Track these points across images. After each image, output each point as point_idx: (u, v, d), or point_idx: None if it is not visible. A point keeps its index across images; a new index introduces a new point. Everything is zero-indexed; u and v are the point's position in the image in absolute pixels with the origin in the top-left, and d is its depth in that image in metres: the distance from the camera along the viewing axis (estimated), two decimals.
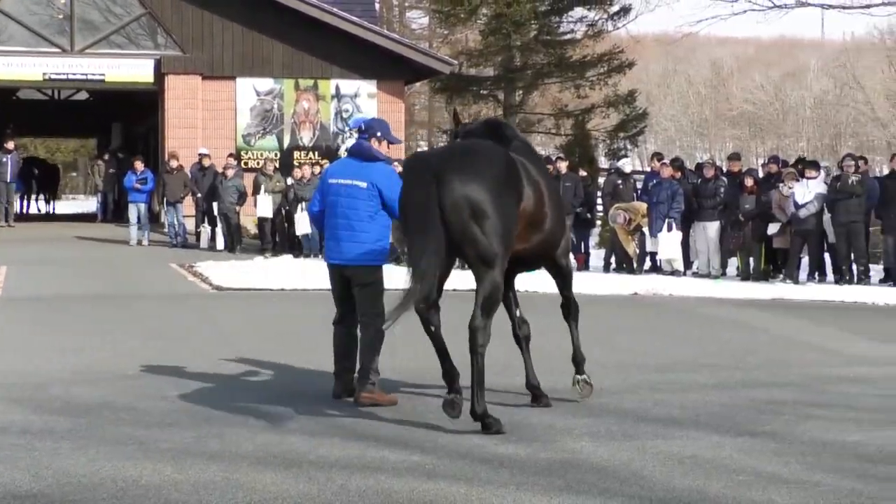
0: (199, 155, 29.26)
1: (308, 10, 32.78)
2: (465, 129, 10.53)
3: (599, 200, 28.67)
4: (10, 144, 32.75)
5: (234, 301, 18.57)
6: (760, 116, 76.40)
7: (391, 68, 33.42)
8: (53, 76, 32.65)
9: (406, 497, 7.11)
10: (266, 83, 33.07)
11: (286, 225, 27.77)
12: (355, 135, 10.70)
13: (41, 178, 46.96)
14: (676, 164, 25.86)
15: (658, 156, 26.54)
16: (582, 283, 21.51)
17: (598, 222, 29.84)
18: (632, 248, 24.61)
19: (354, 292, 10.17)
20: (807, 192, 22.65)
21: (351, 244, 10.06)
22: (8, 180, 32.22)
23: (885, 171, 25.44)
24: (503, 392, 10.11)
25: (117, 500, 6.99)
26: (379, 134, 10.34)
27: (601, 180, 30.47)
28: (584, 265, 25.61)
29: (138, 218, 29.09)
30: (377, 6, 49.59)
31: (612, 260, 25.51)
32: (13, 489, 7.20)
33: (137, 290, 20.30)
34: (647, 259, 24.99)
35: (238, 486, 7.27)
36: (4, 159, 31.97)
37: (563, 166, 25.70)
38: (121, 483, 7.35)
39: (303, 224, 25.89)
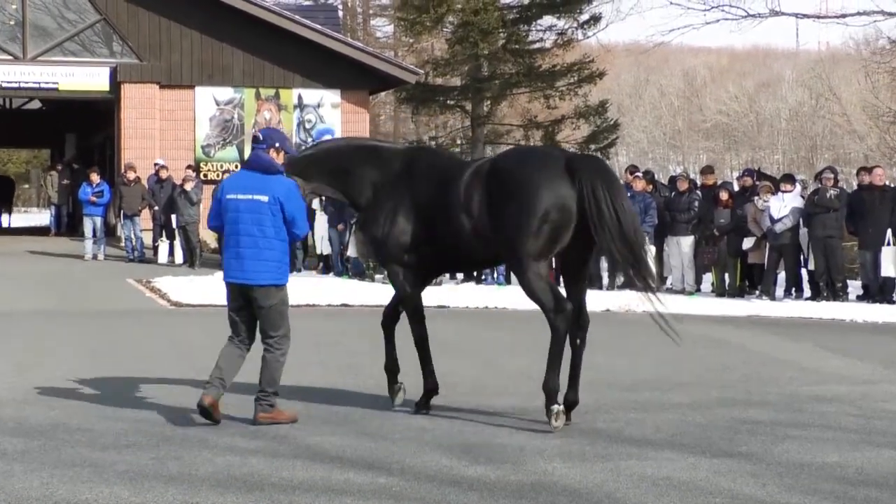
0: (156, 166, 29.18)
1: (269, 17, 32.77)
2: None
3: None
4: None
5: (192, 317, 18.50)
6: (735, 128, 76.76)
7: (355, 77, 33.42)
8: (5, 84, 32.48)
9: None
10: (226, 92, 33.01)
11: None
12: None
13: None
14: (648, 176, 25.92)
15: (632, 168, 26.60)
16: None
17: None
18: None
19: (257, 313, 9.99)
20: (782, 206, 22.73)
21: (255, 262, 9.87)
22: None
23: (854, 185, 25.53)
24: (472, 412, 10.09)
25: None
26: (277, 144, 10.12)
27: None
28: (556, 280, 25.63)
29: (94, 231, 28.97)
30: (340, 14, 49.63)
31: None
32: None
33: (92, 305, 20.20)
34: (620, 275, 24.99)
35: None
36: None
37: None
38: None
39: None
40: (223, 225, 10.08)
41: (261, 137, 10.21)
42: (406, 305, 10.48)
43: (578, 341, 10.08)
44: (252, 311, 10.01)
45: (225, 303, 10.16)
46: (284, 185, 9.98)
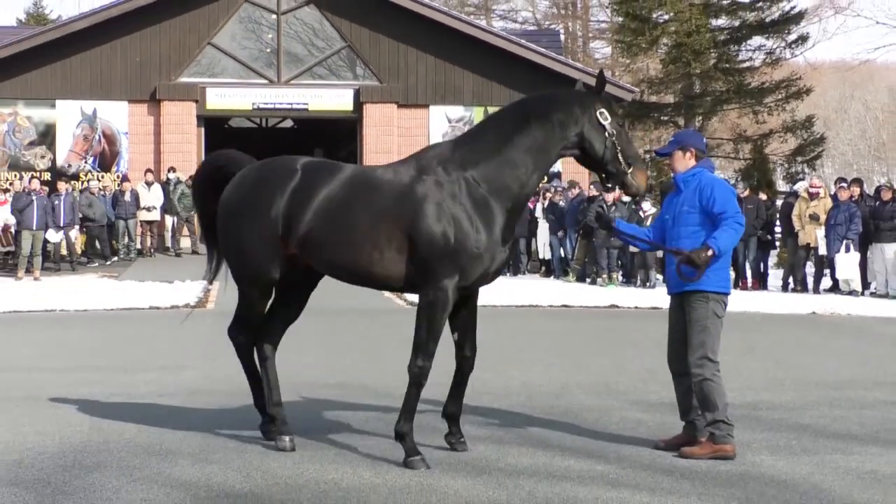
0: None
1: (497, 41, 33.04)
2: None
3: (778, 223, 28.17)
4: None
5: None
6: None
7: None
8: (262, 105, 33.48)
9: None
10: (457, 111, 33.37)
11: None
12: None
13: None
14: (858, 184, 25.34)
15: (841, 181, 25.98)
16: (759, 303, 21.26)
17: (777, 244, 29.31)
18: None
19: None
20: None
21: None
22: None
23: None
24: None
25: (320, 501, 7.12)
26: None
27: (779, 203, 29.93)
28: (761, 285, 25.27)
29: None
30: (562, 38, 49.63)
31: (791, 280, 25.06)
32: (225, 488, 7.39)
33: (331, 304, 20.55)
34: (825, 279, 24.50)
35: (432, 491, 7.33)
36: None
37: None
38: (322, 485, 7.48)
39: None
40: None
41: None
42: None
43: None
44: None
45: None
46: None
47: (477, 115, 33.19)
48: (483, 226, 8.11)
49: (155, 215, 30.51)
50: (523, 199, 8.40)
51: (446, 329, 8.32)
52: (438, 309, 8.07)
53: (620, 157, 8.31)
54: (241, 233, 8.51)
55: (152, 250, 30.53)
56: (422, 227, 8.03)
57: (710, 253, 8.31)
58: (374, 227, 8.16)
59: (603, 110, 8.40)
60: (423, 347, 8.12)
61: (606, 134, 8.33)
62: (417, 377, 8.16)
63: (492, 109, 32.86)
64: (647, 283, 24.64)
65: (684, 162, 8.76)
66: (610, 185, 8.53)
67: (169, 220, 31.03)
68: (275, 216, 8.37)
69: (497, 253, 8.21)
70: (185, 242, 31.00)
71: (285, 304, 8.94)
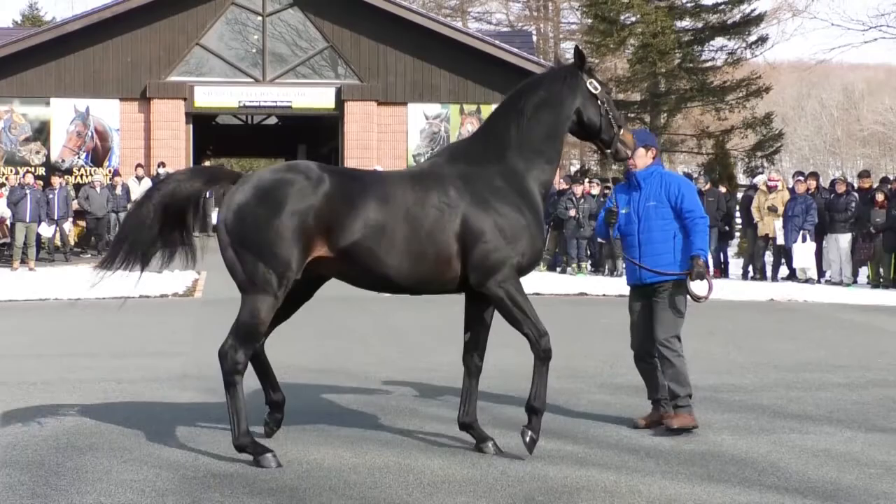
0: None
1: (472, 42, 33.03)
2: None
3: (738, 214, 28.27)
4: (207, 164, 33.83)
5: (401, 303, 18.66)
6: (890, 136, 74.51)
7: None
8: (247, 103, 33.37)
9: (560, 482, 7.09)
10: (434, 108, 33.33)
11: None
12: None
13: None
14: (815, 177, 25.47)
15: (798, 174, 26.07)
16: (722, 291, 21.29)
17: (737, 234, 29.41)
18: None
19: None
20: None
21: None
22: (207, 195, 32.95)
23: None
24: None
25: (303, 481, 7.10)
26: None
27: (739, 195, 30.04)
28: (722, 274, 25.35)
29: None
30: (534, 39, 49.62)
31: (750, 269, 25.16)
32: (213, 469, 7.38)
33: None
34: (783, 267, 24.61)
35: (409, 471, 7.33)
36: None
37: None
38: (305, 465, 7.47)
39: None
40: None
41: None
42: None
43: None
44: None
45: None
46: None
47: (453, 112, 33.18)
48: (531, 214, 7.88)
49: None
50: (549, 187, 8.25)
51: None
52: (516, 294, 7.77)
53: (613, 122, 8.23)
54: (263, 235, 7.49)
55: None
56: (478, 224, 7.71)
57: (702, 261, 8.57)
58: (431, 234, 7.67)
59: (592, 80, 8.25)
60: (532, 326, 7.80)
61: (599, 102, 8.21)
62: (548, 353, 7.83)
63: (467, 107, 33.15)
64: (615, 272, 24.68)
65: (645, 159, 8.84)
66: (609, 152, 8.28)
67: None
68: (304, 219, 7.50)
69: (542, 238, 8.06)
70: None
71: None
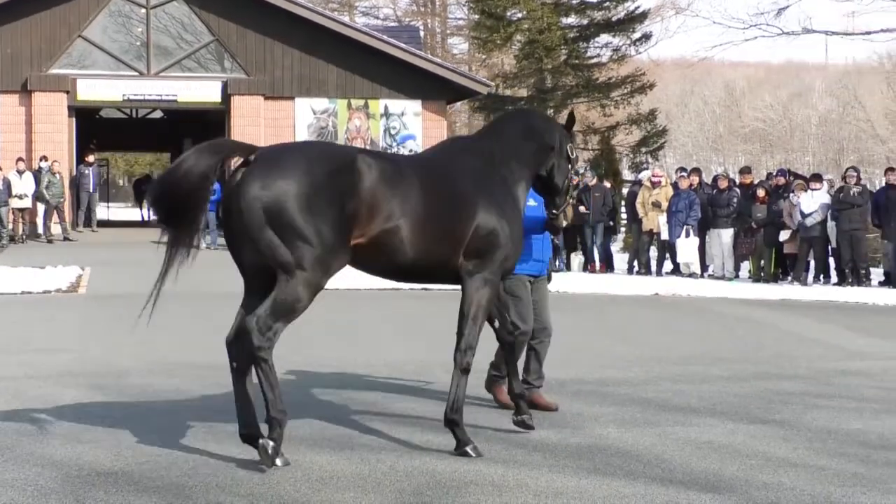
0: None
1: (360, 37, 32.94)
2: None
3: (623, 210, 28.61)
4: (91, 158, 33.36)
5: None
6: (770, 133, 75.91)
7: (434, 89, 33.44)
8: (132, 97, 32.87)
9: (449, 476, 7.10)
10: (322, 103, 33.16)
11: None
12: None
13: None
14: (698, 173, 25.88)
15: (681, 170, 26.45)
16: (606, 285, 21.55)
17: (622, 229, 29.77)
18: None
19: None
20: (812, 202, 22.58)
21: None
22: (91, 190, 32.63)
23: (882, 184, 25.23)
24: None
25: (189, 478, 7.02)
26: None
27: (624, 191, 30.41)
28: (608, 268, 25.64)
29: (207, 224, 29.18)
30: (421, 34, 49.67)
31: (635, 263, 25.47)
32: (97, 467, 7.26)
33: (210, 289, 20.30)
34: (667, 262, 24.96)
35: (297, 466, 7.28)
36: (87, 171, 32.46)
37: None
38: (191, 462, 7.39)
39: None
40: None
41: None
42: None
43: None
44: None
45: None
46: None
47: (340, 107, 33.06)
48: (516, 217, 8.07)
49: (27, 203, 29.87)
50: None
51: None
52: (494, 295, 7.98)
53: (570, 190, 8.60)
54: (318, 212, 7.12)
55: (24, 237, 29.87)
56: (485, 219, 7.79)
57: None
58: (452, 223, 7.69)
59: (571, 145, 8.57)
60: (473, 336, 7.90)
61: (570, 167, 8.51)
62: (468, 368, 8.00)
63: (355, 102, 33.05)
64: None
65: None
66: (554, 213, 8.57)
67: (40, 208, 30.38)
68: (356, 201, 7.25)
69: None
70: (56, 229, 30.39)
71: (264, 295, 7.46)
